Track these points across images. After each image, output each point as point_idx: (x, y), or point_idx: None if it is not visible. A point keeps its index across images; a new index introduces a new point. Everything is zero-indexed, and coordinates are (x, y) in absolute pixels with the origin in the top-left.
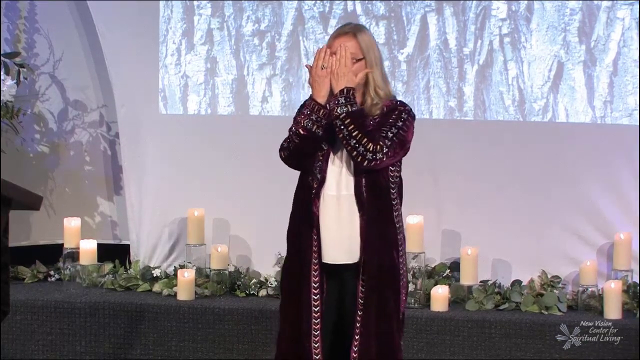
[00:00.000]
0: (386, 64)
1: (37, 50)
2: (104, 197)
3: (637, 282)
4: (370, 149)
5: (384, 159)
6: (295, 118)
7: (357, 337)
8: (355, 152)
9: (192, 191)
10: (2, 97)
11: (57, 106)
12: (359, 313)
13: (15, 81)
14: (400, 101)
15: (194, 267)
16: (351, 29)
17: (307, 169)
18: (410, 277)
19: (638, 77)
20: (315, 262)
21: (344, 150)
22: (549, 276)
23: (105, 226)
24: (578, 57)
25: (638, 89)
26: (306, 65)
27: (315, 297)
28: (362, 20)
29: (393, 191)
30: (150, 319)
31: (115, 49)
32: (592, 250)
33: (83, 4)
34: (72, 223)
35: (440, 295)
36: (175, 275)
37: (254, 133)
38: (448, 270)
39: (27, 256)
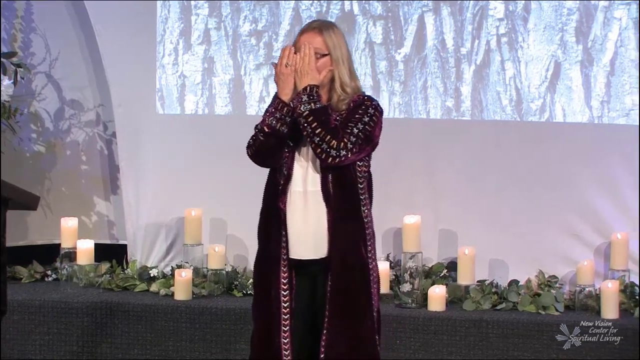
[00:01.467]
0: (383, 63)
1: (33, 49)
2: (101, 197)
3: (635, 282)
4: (334, 146)
5: (349, 156)
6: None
7: (324, 333)
8: (319, 150)
9: (189, 191)
10: (1, 97)
11: (54, 106)
12: (327, 308)
13: (12, 81)
14: (367, 96)
15: (191, 267)
16: (318, 26)
17: (274, 166)
18: (407, 276)
19: (637, 77)
20: (284, 258)
21: (308, 147)
22: (546, 276)
23: (102, 226)
24: (575, 57)
25: (637, 89)
26: (271, 63)
27: (285, 294)
28: (359, 20)
29: (361, 187)
30: (147, 319)
31: (112, 48)
32: (589, 250)
33: (80, 3)
34: (69, 223)
35: (437, 295)
36: (173, 275)
37: (251, 133)
38: (445, 270)
39: (24, 256)
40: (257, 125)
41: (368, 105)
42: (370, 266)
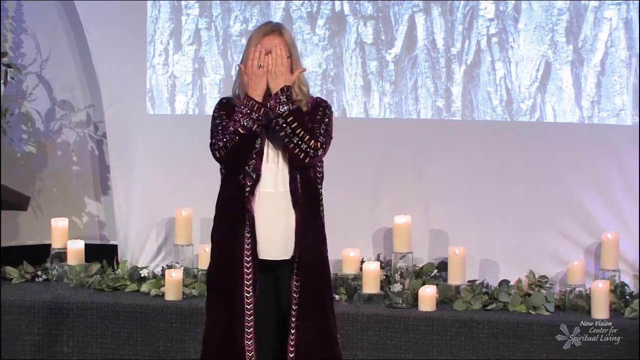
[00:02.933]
0: (374, 64)
1: (24, 50)
2: (92, 197)
3: (625, 282)
4: (312, 146)
5: (322, 155)
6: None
7: (292, 332)
8: (297, 150)
9: (180, 191)
10: None
11: (45, 106)
12: (294, 308)
13: (2, 81)
14: (319, 97)
15: (182, 267)
16: (277, 27)
17: (238, 168)
18: (397, 277)
19: (627, 77)
20: (248, 259)
21: (277, 148)
22: (537, 276)
23: (93, 226)
24: (565, 57)
25: (627, 89)
26: (239, 65)
27: (248, 295)
28: (350, 20)
29: (320, 186)
30: (137, 319)
31: (102, 49)
32: (579, 250)
33: (70, 4)
34: (60, 223)
35: (427, 295)
36: (163, 275)
37: None
38: (436, 270)
39: (14, 256)
40: (227, 127)
41: (325, 107)
42: (329, 266)
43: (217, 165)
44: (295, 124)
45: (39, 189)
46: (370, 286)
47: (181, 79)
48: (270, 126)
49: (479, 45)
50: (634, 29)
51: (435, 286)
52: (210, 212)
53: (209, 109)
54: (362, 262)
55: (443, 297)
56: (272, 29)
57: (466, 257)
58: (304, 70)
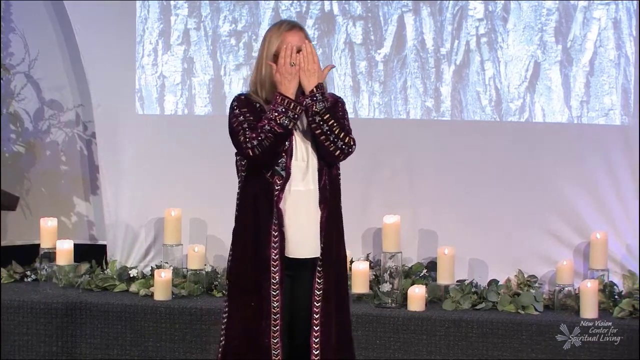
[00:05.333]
0: (363, 64)
1: (12, 49)
2: (81, 197)
3: (614, 281)
4: (348, 142)
5: (353, 151)
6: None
7: (316, 329)
8: (333, 147)
9: (169, 191)
10: None
11: (33, 106)
12: (317, 305)
13: None
14: (333, 93)
15: (171, 267)
16: (296, 24)
17: (269, 166)
18: (387, 276)
19: (616, 77)
20: (276, 258)
21: (305, 145)
22: (526, 276)
23: (82, 226)
24: (555, 57)
25: (616, 89)
26: (269, 63)
27: (275, 294)
28: (339, 20)
29: (340, 183)
30: (127, 320)
31: (91, 48)
32: (568, 249)
33: (59, 3)
34: (49, 223)
35: (417, 295)
36: (152, 275)
37: None
38: (425, 270)
39: (3, 256)
40: (263, 126)
41: (342, 103)
42: (347, 263)
43: (205, 165)
44: (332, 121)
45: (28, 189)
46: (360, 286)
47: (170, 79)
48: (299, 124)
49: (468, 45)
50: (623, 29)
51: (424, 286)
52: (199, 212)
53: (198, 109)
54: (352, 261)
55: (432, 297)
56: (293, 25)
57: (455, 257)
58: (333, 66)
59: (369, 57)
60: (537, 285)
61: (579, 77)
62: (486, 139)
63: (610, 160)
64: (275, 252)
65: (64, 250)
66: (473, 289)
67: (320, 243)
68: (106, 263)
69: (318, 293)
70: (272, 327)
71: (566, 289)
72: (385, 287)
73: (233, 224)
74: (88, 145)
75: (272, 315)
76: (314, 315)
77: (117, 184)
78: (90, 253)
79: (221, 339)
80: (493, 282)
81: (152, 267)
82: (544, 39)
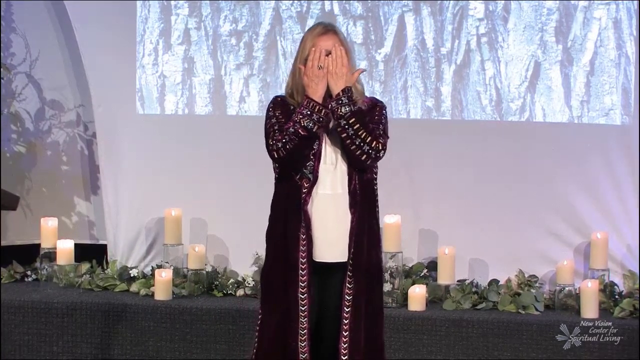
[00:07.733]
0: (363, 63)
1: (13, 49)
2: (81, 197)
3: (614, 281)
4: (375, 147)
5: (382, 156)
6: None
7: (345, 334)
8: (359, 151)
9: (169, 191)
10: None
11: (34, 106)
12: (346, 310)
13: None
14: (374, 97)
15: (171, 267)
16: (331, 27)
17: (296, 169)
18: (387, 276)
19: (616, 77)
20: (304, 261)
21: (336, 149)
22: (526, 275)
23: (83, 226)
24: (555, 56)
25: (616, 89)
26: (299, 66)
27: (303, 297)
28: (340, 20)
29: (375, 187)
30: (127, 319)
31: (92, 48)
32: (569, 249)
33: (60, 3)
34: (49, 223)
35: (417, 295)
36: (153, 275)
37: (231, 133)
38: (425, 270)
39: (3, 256)
40: (287, 128)
41: (381, 107)
42: (382, 269)
43: (205, 165)
44: (358, 125)
45: (28, 189)
46: None
47: (171, 78)
48: (328, 128)
49: (468, 45)
50: (623, 29)
51: (424, 286)
52: (199, 212)
53: (199, 109)
54: None
55: (433, 297)
56: (327, 29)
57: (456, 257)
58: (364, 70)
59: (370, 56)
60: (537, 285)
61: (580, 76)
62: (486, 138)
63: (610, 160)
64: (303, 255)
65: (65, 250)
66: (473, 289)
67: (351, 247)
68: (107, 263)
69: (348, 298)
70: (300, 330)
71: (567, 288)
72: (386, 287)
73: (233, 224)
74: (89, 145)
75: (301, 319)
76: (344, 320)
77: (117, 183)
78: (91, 253)
79: (255, 340)
80: (493, 282)
81: (152, 266)
82: (545, 38)
